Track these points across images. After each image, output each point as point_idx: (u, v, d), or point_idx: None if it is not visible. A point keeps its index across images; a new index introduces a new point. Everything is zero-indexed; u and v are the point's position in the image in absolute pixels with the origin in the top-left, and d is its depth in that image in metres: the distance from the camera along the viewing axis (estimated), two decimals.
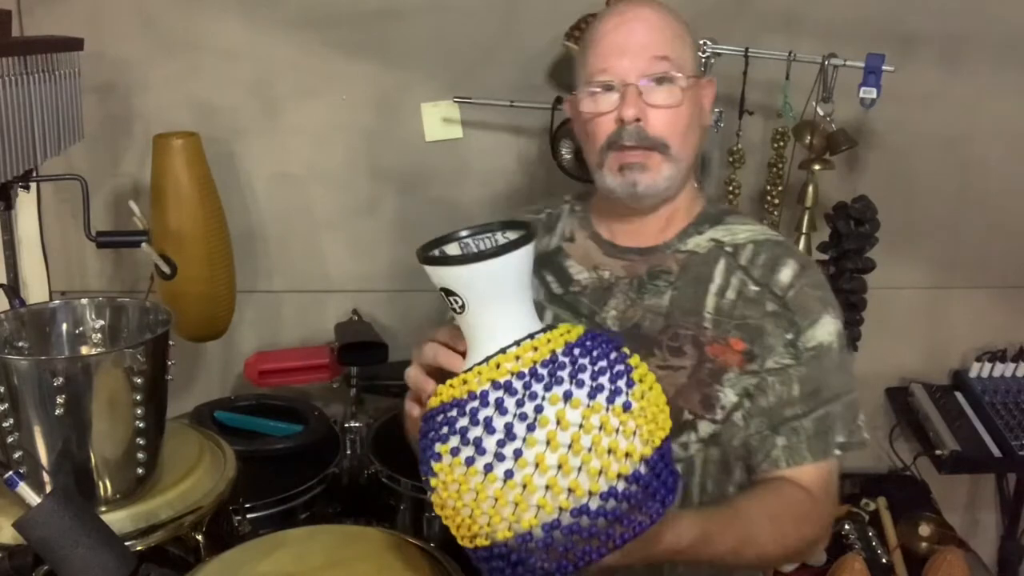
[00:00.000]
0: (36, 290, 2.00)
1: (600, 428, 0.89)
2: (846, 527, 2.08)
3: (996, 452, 2.11)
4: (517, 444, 0.88)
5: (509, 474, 0.88)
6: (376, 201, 2.17)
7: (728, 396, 1.24)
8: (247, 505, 1.57)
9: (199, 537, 1.33)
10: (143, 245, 1.58)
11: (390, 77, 2.09)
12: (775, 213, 2.01)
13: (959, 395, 2.28)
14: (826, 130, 1.93)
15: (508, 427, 0.89)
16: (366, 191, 2.16)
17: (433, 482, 0.94)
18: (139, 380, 1.25)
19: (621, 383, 0.93)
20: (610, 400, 0.91)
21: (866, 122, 2.11)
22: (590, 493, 0.88)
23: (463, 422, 0.92)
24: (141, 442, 1.28)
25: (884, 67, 1.85)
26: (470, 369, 0.95)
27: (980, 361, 2.30)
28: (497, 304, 0.95)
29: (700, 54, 1.78)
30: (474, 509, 0.90)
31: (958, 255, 2.31)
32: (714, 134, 1.96)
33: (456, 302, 0.95)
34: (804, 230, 1.98)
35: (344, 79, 2.08)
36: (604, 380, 0.92)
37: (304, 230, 2.18)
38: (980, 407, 2.22)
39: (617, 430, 0.90)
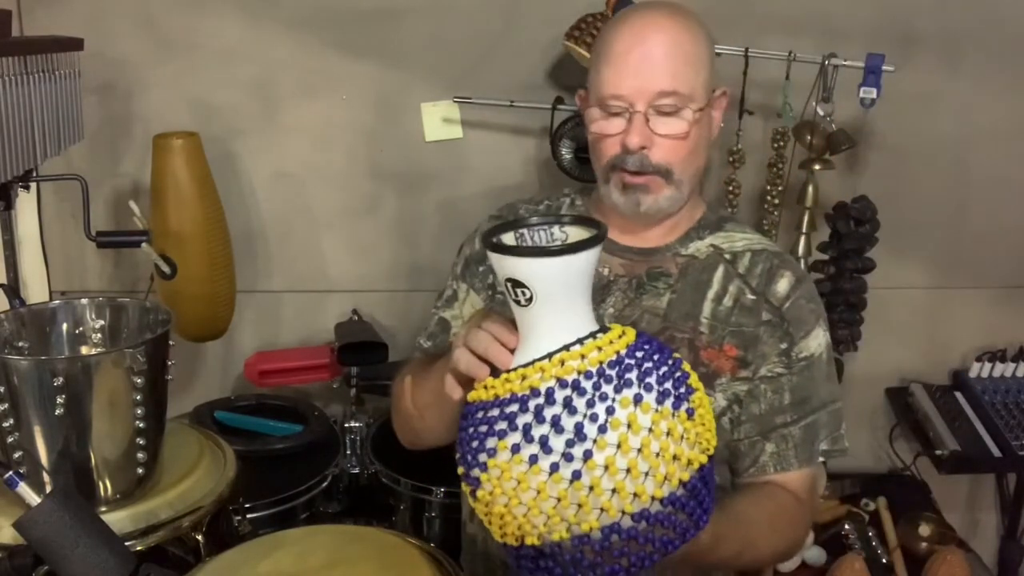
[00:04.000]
0: (36, 290, 2.01)
1: (668, 434, 0.89)
2: (846, 527, 2.07)
3: (996, 452, 2.11)
4: (587, 445, 0.87)
5: (577, 475, 0.87)
6: (376, 201, 2.17)
7: (718, 401, 1.27)
8: (247, 505, 1.57)
9: (199, 537, 1.33)
10: (143, 245, 1.58)
11: (390, 77, 2.09)
12: (775, 213, 2.01)
13: (959, 395, 2.27)
14: (826, 130, 1.93)
15: (579, 427, 0.88)
16: (366, 191, 2.16)
17: (483, 477, 0.92)
18: (139, 380, 1.25)
19: (683, 389, 0.93)
20: (676, 406, 0.91)
21: (866, 122, 2.11)
22: (653, 498, 0.88)
23: (525, 419, 0.90)
24: (141, 442, 1.28)
25: (884, 67, 1.85)
26: (530, 364, 0.93)
27: (980, 361, 2.30)
28: (565, 300, 0.94)
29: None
30: (532, 508, 0.89)
31: (958, 255, 2.31)
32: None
33: (523, 294, 0.93)
34: (804, 230, 1.98)
35: (344, 79, 2.08)
36: (669, 385, 0.92)
37: (304, 230, 2.18)
38: (980, 407, 2.22)
39: (683, 436, 0.90)
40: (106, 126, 2.05)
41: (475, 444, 0.93)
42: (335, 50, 2.07)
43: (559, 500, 0.88)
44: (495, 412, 0.92)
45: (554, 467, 0.88)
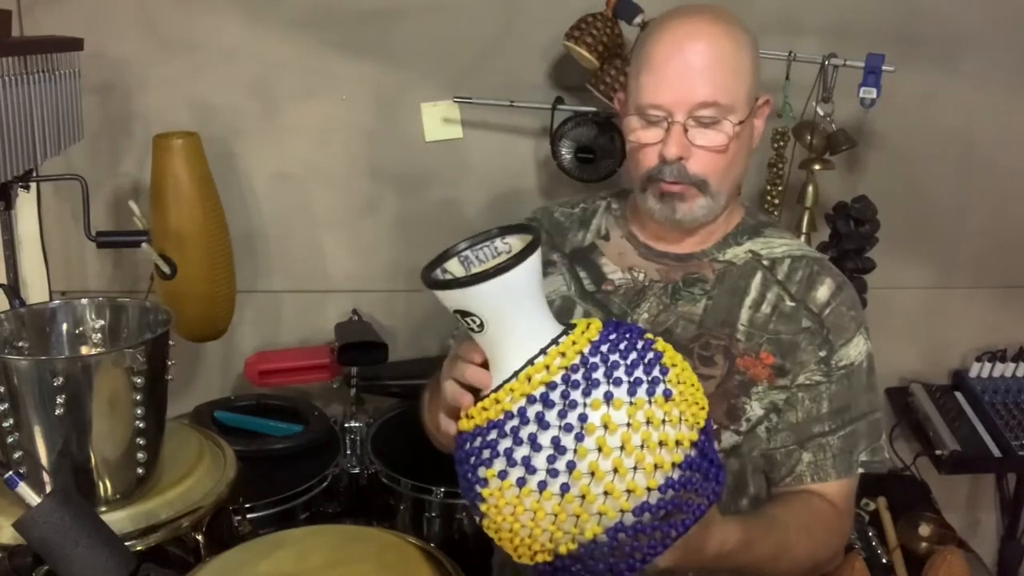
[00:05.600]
0: (36, 290, 2.00)
1: (648, 423, 0.88)
2: None
3: (996, 452, 2.11)
4: (568, 456, 0.87)
5: (565, 488, 0.87)
6: (376, 201, 2.17)
7: (754, 409, 1.25)
8: (247, 505, 1.57)
9: (199, 537, 1.32)
10: (143, 245, 1.58)
11: (390, 77, 2.09)
12: (775, 213, 2.01)
13: (959, 395, 2.28)
14: (826, 130, 1.93)
15: (555, 441, 0.87)
16: (366, 191, 2.16)
17: (483, 507, 0.92)
18: (139, 380, 1.25)
19: (656, 372, 0.91)
20: (650, 392, 0.90)
21: (866, 122, 2.12)
22: (648, 489, 0.87)
23: (506, 443, 0.90)
24: (141, 442, 1.28)
25: (884, 67, 1.85)
26: (500, 387, 0.93)
27: (980, 361, 2.30)
28: (516, 316, 0.93)
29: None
30: (533, 528, 0.89)
31: (958, 255, 2.31)
32: None
33: (474, 322, 0.93)
34: (804, 230, 1.98)
35: (344, 79, 2.08)
36: (639, 372, 0.91)
37: (304, 230, 2.18)
38: (980, 407, 2.22)
39: (664, 421, 0.89)
40: (106, 126, 2.05)
41: (469, 476, 0.93)
42: (335, 50, 2.07)
43: (556, 516, 0.88)
44: (478, 442, 0.93)
45: (542, 485, 0.87)
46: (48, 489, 1.01)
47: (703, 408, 0.94)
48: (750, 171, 2.03)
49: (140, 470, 1.30)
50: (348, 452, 2.00)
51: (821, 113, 1.91)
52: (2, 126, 1.39)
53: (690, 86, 1.18)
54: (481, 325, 0.92)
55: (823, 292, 1.28)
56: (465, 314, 0.92)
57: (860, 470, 1.28)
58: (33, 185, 1.71)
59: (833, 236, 2.03)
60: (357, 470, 1.98)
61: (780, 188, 2.01)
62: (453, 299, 0.92)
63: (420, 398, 1.41)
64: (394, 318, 2.23)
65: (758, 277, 1.29)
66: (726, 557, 1.05)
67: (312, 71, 2.08)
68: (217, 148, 2.02)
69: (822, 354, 1.26)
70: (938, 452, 2.11)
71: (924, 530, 2.04)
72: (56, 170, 1.74)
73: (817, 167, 1.94)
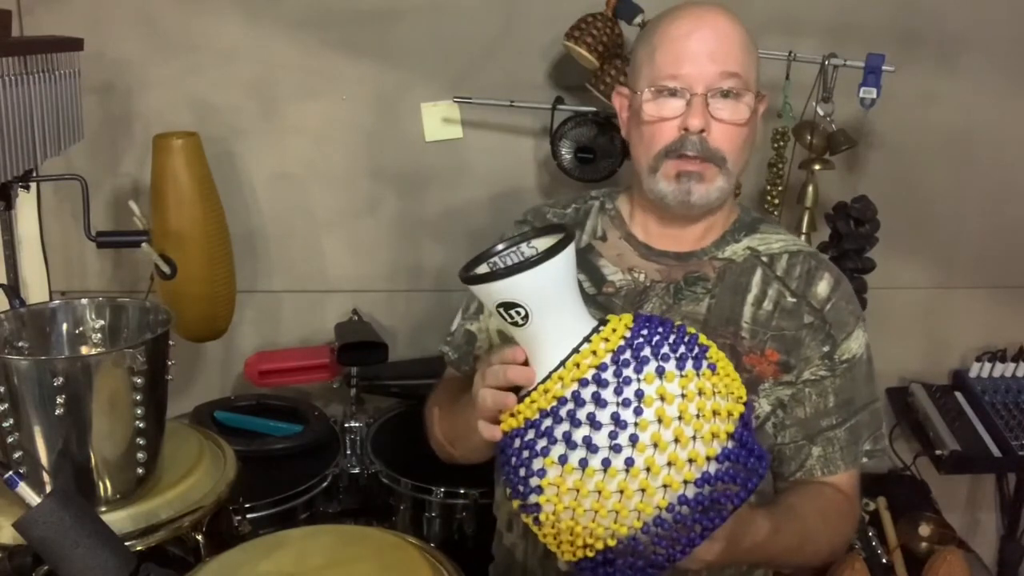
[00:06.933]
0: (36, 290, 2.00)
1: (700, 393, 0.90)
2: None
3: (996, 452, 2.11)
4: (630, 430, 0.88)
5: (630, 461, 0.88)
6: (376, 201, 2.17)
7: (762, 406, 1.26)
8: (247, 505, 1.57)
9: (199, 537, 1.32)
10: (143, 245, 1.58)
11: (390, 77, 2.09)
12: (775, 213, 2.02)
13: (959, 395, 2.28)
14: (826, 130, 1.93)
15: (615, 416, 0.89)
16: (366, 191, 2.16)
17: (541, 500, 0.92)
18: (139, 380, 1.25)
19: (696, 349, 0.94)
20: (696, 366, 0.92)
21: (866, 122, 2.11)
22: (707, 458, 0.89)
23: (563, 428, 0.90)
24: (141, 442, 1.28)
25: (884, 67, 1.85)
26: (547, 378, 0.93)
27: (980, 361, 2.30)
28: (559, 304, 0.94)
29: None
30: (599, 510, 0.89)
31: (958, 255, 2.31)
32: None
33: (519, 313, 0.93)
34: (804, 230, 1.98)
35: (344, 79, 2.08)
36: (683, 349, 0.93)
37: (304, 230, 2.18)
38: (980, 407, 2.22)
39: (714, 391, 0.91)
40: (106, 126, 2.05)
41: (523, 472, 0.93)
42: (335, 50, 2.07)
43: (621, 492, 0.88)
44: (531, 434, 0.92)
45: (606, 462, 0.88)
46: (48, 489, 1.01)
47: (741, 385, 0.96)
48: (750, 171, 2.05)
49: (140, 470, 1.30)
50: (348, 452, 2.00)
51: (821, 113, 1.91)
52: (2, 126, 1.39)
53: (711, 57, 1.20)
54: (526, 316, 0.93)
55: (823, 287, 1.29)
56: (510, 306, 0.93)
57: (865, 459, 1.29)
58: (33, 185, 1.71)
59: (833, 236, 2.03)
60: (357, 470, 1.98)
61: (780, 188, 2.01)
62: (501, 291, 0.93)
63: (424, 417, 1.40)
64: (394, 318, 2.23)
65: (758, 274, 1.30)
66: (758, 548, 1.07)
67: (312, 71, 2.08)
68: (217, 148, 2.02)
69: (825, 349, 1.27)
70: (938, 452, 2.11)
71: (924, 530, 2.04)
72: (56, 170, 1.74)
73: (817, 167, 1.94)
